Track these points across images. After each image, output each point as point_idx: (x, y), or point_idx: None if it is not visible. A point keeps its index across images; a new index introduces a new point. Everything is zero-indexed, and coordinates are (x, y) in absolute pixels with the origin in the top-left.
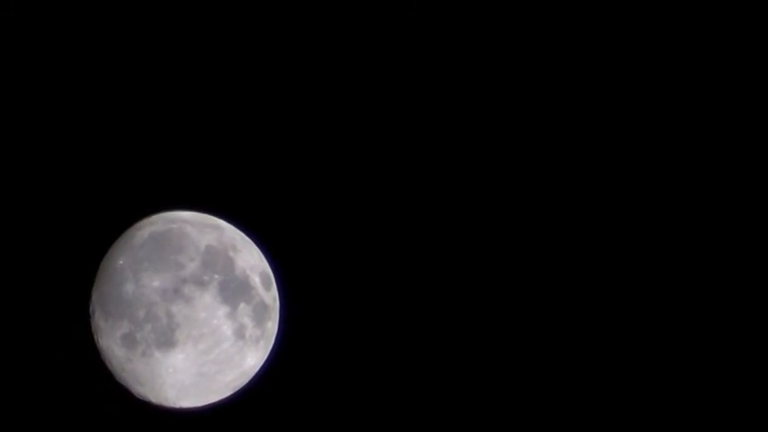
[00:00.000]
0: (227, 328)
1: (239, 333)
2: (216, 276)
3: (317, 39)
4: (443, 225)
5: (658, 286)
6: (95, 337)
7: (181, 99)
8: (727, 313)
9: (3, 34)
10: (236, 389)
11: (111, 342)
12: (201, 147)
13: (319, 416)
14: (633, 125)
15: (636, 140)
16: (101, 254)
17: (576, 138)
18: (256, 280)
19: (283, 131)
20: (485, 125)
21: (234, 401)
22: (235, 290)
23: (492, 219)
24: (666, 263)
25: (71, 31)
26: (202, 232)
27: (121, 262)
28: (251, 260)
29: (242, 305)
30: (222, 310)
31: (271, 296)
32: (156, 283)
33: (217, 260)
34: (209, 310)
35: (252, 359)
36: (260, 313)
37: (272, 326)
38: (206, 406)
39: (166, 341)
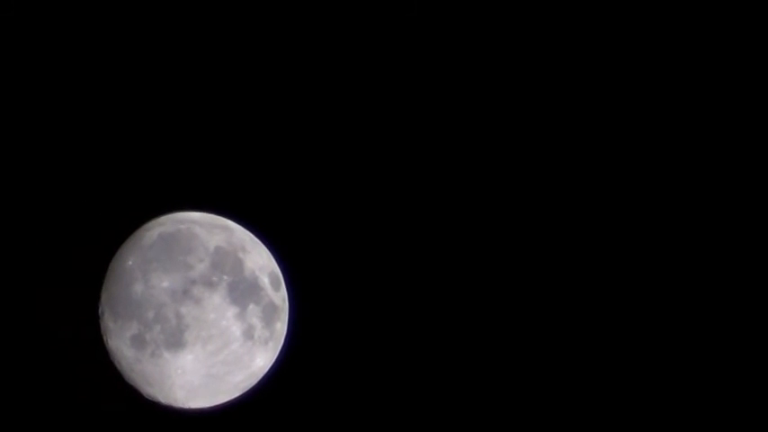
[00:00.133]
0: (237, 329)
1: (248, 334)
2: (225, 277)
3: (317, 39)
4: (453, 226)
5: (658, 286)
6: (105, 338)
7: (191, 100)
8: (727, 313)
9: (3, 34)
10: (245, 390)
11: (121, 343)
12: (211, 148)
13: (328, 416)
14: (633, 125)
15: (636, 140)
16: (110, 255)
17: (576, 138)
18: (265, 281)
19: (292, 133)
20: (485, 125)
21: (243, 402)
22: (244, 291)
23: (495, 219)
24: (666, 263)
25: (78, 31)
26: (211, 233)
27: (131, 263)
28: (260, 261)
29: (251, 306)
30: (231, 311)
31: (280, 297)
32: (165, 284)
33: (226, 261)
34: (218, 311)
35: (261, 360)
36: (269, 314)
37: (281, 327)
38: (215, 407)
39: (175, 342)
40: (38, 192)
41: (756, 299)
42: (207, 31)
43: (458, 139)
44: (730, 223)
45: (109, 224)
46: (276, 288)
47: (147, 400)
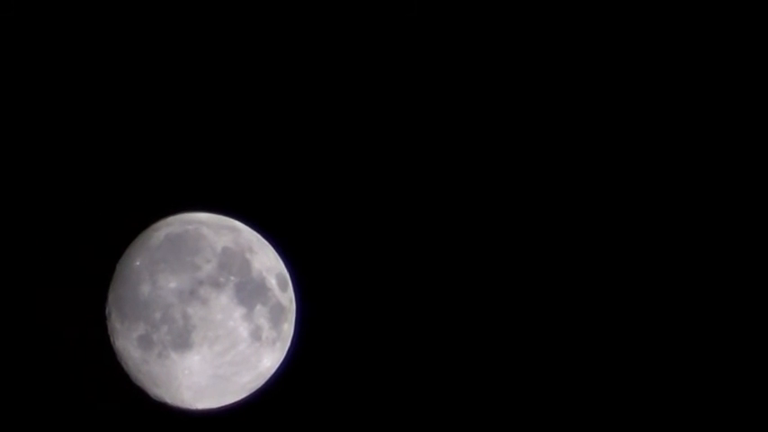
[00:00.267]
0: (244, 330)
1: (255, 335)
2: (232, 278)
3: (319, 39)
4: (461, 227)
5: (658, 286)
6: (111, 339)
7: (198, 101)
8: (727, 313)
9: (3, 34)
10: (253, 390)
11: (128, 343)
12: (218, 148)
13: (335, 417)
14: (633, 125)
15: (636, 140)
16: (117, 255)
17: (576, 137)
18: (273, 281)
19: (298, 134)
20: (485, 125)
21: (250, 403)
22: (251, 291)
23: (502, 220)
24: (666, 263)
25: (84, 31)
26: (219, 234)
27: (138, 263)
28: (267, 262)
29: (258, 307)
30: (238, 312)
31: (287, 298)
32: (172, 285)
33: (233, 262)
34: (225, 312)
35: (268, 361)
36: (276, 315)
37: (289, 327)
38: (222, 407)
39: (183, 343)
40: (45, 193)
41: (756, 299)
42: (215, 32)
43: (459, 139)
44: (730, 223)
45: (116, 225)
46: (283, 289)
47: (154, 401)
